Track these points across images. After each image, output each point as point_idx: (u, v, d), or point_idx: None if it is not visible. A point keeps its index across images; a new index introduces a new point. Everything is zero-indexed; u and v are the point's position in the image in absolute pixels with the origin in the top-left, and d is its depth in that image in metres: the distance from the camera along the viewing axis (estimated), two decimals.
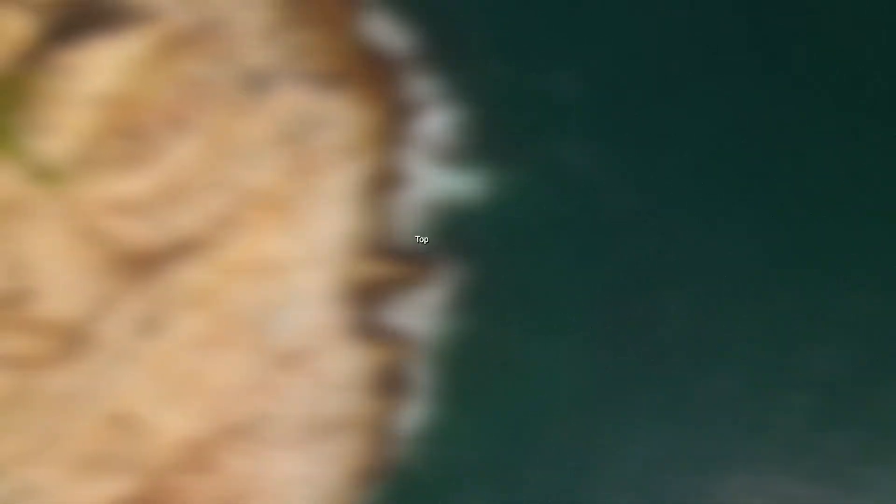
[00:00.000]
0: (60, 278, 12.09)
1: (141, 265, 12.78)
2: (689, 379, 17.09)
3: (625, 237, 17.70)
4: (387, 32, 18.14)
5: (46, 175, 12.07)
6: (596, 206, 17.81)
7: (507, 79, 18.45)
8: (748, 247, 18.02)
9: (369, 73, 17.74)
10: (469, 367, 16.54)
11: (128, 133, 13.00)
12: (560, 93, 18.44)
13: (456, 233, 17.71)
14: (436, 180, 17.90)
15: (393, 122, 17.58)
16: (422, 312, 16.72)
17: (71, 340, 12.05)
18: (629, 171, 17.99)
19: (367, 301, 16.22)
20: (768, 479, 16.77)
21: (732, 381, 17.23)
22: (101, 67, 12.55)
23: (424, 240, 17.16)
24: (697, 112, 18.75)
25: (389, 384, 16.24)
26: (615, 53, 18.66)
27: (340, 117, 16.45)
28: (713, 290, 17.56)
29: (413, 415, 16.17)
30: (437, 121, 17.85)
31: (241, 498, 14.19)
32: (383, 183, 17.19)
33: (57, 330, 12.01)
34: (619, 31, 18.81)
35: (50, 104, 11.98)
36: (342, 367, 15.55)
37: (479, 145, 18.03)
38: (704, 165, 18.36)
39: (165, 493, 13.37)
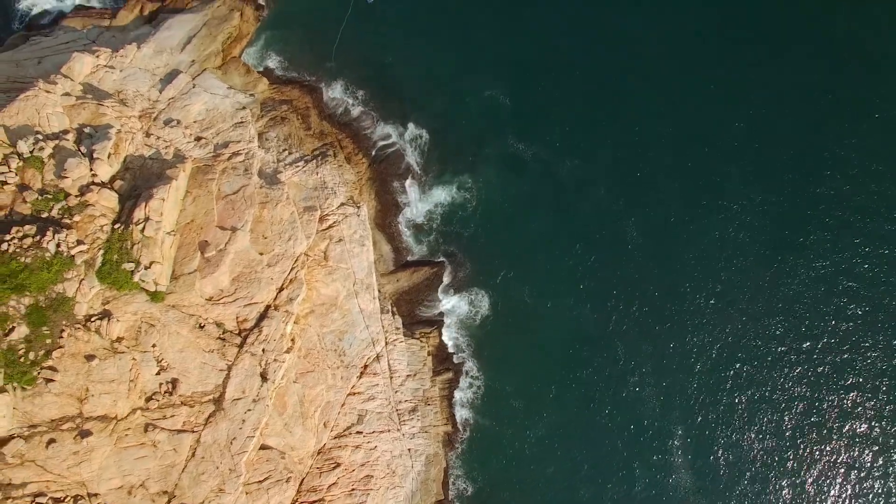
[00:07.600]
0: (192, 362, 16.10)
1: (243, 335, 16.77)
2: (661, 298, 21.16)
3: (578, 196, 21.98)
4: (344, 102, 22.35)
5: (158, 295, 16.16)
6: (549, 180, 22.06)
7: (447, 106, 22.60)
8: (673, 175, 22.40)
9: (344, 138, 21.65)
10: (497, 330, 20.54)
11: (200, 246, 16.99)
12: (492, 107, 22.70)
13: (454, 230, 21.58)
14: (424, 196, 21.74)
15: (377, 166, 21.38)
16: (448, 300, 20.61)
17: (215, 403, 16.02)
18: (563, 151, 22.42)
19: (406, 305, 20.17)
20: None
21: (698, 296, 21.29)
22: (166, 208, 16.53)
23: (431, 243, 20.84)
24: (599, 97, 23.35)
25: (444, 361, 20.02)
26: (526, 71, 23.21)
27: (337, 178, 20.30)
28: (663, 214, 21.84)
29: (467, 378, 19.98)
30: (410, 153, 21.92)
31: (365, 480, 17.78)
32: (386, 213, 21.10)
33: (203, 399, 15.99)
34: (525, 54, 23.46)
35: (143, 246, 16.01)
36: (406, 360, 19.35)
37: (447, 159, 22.01)
38: (618, 137, 22.91)
39: (314, 492, 17.18)
